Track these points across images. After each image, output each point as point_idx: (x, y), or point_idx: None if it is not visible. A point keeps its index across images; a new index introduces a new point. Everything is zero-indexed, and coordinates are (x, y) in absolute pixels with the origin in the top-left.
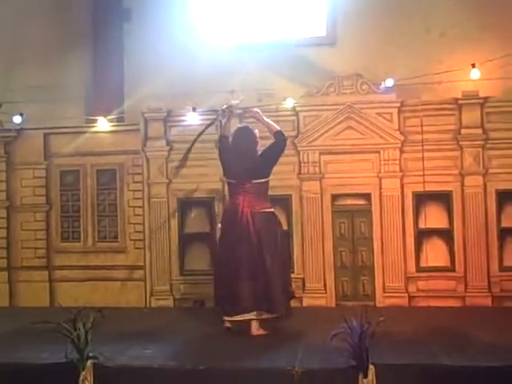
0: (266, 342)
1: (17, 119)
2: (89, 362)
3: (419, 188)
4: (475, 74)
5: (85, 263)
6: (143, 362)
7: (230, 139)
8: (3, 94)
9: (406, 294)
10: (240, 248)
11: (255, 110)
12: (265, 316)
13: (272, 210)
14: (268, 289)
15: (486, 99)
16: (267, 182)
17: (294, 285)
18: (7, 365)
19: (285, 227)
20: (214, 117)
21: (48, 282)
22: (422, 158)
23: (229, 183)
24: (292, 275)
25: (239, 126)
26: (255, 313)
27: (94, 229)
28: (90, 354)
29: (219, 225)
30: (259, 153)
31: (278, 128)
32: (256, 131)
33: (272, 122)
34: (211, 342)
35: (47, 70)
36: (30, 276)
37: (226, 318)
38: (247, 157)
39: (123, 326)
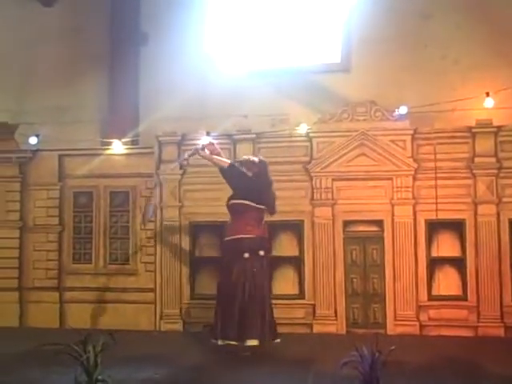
0: (277, 368)
1: (33, 140)
2: None
3: (432, 216)
4: (489, 102)
5: (95, 285)
6: None
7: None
8: (20, 116)
9: (418, 323)
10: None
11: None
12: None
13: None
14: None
15: (499, 128)
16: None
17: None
18: None
19: (296, 253)
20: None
21: (58, 303)
22: (435, 186)
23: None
24: (302, 301)
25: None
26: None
27: (105, 251)
28: (100, 377)
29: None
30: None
31: (228, 161)
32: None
33: (219, 158)
34: (220, 368)
35: (63, 91)
36: (41, 297)
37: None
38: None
39: (133, 349)
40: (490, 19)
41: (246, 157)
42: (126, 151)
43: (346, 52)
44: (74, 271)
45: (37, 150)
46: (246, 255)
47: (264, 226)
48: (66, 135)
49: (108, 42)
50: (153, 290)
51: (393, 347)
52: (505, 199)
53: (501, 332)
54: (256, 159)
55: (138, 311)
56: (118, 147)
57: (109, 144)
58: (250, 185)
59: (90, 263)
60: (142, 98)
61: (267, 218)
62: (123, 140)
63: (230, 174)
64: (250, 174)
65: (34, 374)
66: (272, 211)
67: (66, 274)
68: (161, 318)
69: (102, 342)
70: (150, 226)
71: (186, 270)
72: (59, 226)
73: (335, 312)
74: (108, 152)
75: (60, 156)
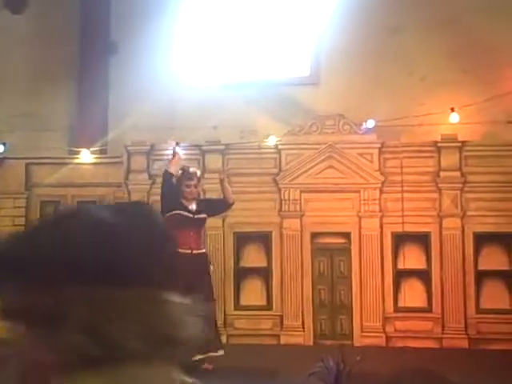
0: (242, 380)
1: None
2: None
3: (398, 228)
4: (454, 117)
5: None
6: None
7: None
8: None
9: (384, 334)
10: None
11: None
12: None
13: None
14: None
15: (464, 143)
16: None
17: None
18: None
19: (264, 264)
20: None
21: None
22: (402, 199)
23: None
24: (270, 312)
25: None
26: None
27: None
28: None
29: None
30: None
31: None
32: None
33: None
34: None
35: (31, 100)
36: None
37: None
38: None
39: None
40: (457, 35)
41: (196, 170)
42: (94, 160)
43: (315, 65)
44: None
45: (3, 158)
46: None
47: None
48: (34, 143)
49: (77, 51)
50: None
51: (358, 358)
52: (469, 213)
53: (465, 343)
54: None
55: None
56: (86, 156)
57: (77, 153)
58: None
59: None
60: (111, 107)
61: (237, 228)
62: (91, 149)
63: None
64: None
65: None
66: None
67: None
68: None
69: None
70: None
71: None
72: None
73: (302, 323)
74: (76, 161)
75: (27, 164)
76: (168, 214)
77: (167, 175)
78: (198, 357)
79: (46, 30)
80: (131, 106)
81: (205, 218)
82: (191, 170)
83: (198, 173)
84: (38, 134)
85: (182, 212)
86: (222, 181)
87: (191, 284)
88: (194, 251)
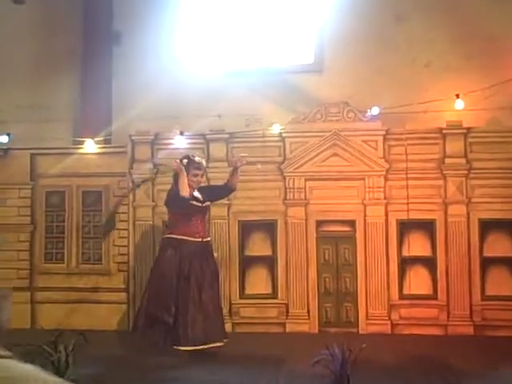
0: (247, 367)
1: (4, 139)
2: None
3: (403, 216)
4: (459, 104)
5: (67, 285)
6: None
7: None
8: None
9: (389, 322)
10: None
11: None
12: None
13: (164, 236)
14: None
15: (469, 129)
16: (171, 209)
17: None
18: None
19: (269, 252)
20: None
21: (30, 303)
22: (407, 186)
23: None
24: (275, 301)
25: None
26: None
27: (77, 250)
28: (71, 377)
29: None
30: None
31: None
32: (184, 160)
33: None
34: (192, 367)
35: (36, 90)
36: (12, 297)
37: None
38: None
39: (105, 349)
40: (461, 22)
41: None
42: (98, 150)
43: (319, 53)
44: (46, 271)
45: (8, 149)
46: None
47: None
48: (38, 134)
49: (81, 40)
50: (125, 290)
51: (363, 345)
52: (474, 199)
53: (470, 330)
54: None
55: (111, 311)
56: (90, 146)
57: (81, 143)
58: None
59: (62, 263)
60: (114, 97)
61: (242, 217)
62: (96, 139)
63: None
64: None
65: None
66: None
67: (37, 274)
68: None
69: (74, 342)
70: (123, 225)
71: None
72: (31, 225)
73: (308, 311)
74: (80, 151)
75: (32, 155)
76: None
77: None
78: (202, 347)
79: (48, 20)
80: (135, 95)
81: (209, 206)
82: (197, 159)
83: (204, 163)
84: (43, 124)
85: (193, 202)
86: (236, 168)
87: (202, 272)
88: (204, 239)
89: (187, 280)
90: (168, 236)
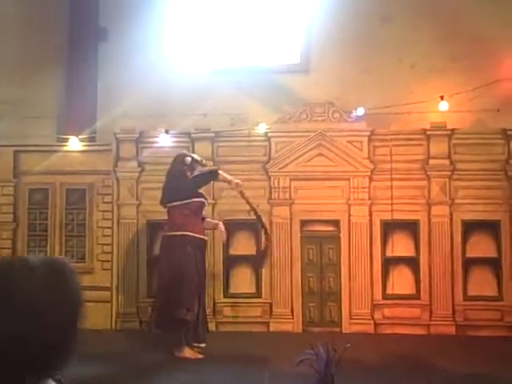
0: (232, 367)
1: None
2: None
3: (387, 216)
4: (443, 105)
5: None
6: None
7: None
8: None
9: (372, 321)
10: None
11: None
12: None
13: (175, 233)
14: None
15: (453, 131)
16: (180, 206)
17: (186, 310)
18: None
19: (254, 252)
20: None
21: None
22: (391, 187)
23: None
24: (259, 300)
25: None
26: None
27: (61, 248)
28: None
29: None
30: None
31: (215, 168)
32: (187, 159)
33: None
34: (175, 367)
35: (20, 86)
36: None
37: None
38: (166, 180)
39: (88, 347)
40: (446, 23)
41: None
42: (83, 148)
43: (305, 53)
44: None
45: None
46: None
47: None
48: (22, 131)
49: (66, 36)
50: (109, 289)
51: (348, 345)
52: (457, 200)
53: (452, 330)
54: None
55: (94, 310)
56: (74, 144)
57: (65, 140)
58: None
59: None
60: (100, 94)
61: (227, 217)
62: (80, 136)
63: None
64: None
65: None
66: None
67: None
68: (117, 317)
69: None
70: (107, 223)
71: (143, 269)
72: (13, 222)
73: (292, 311)
74: (65, 148)
75: (15, 152)
76: (193, 200)
77: (183, 165)
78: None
79: (33, 15)
80: (120, 93)
81: None
82: (197, 157)
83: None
84: (27, 121)
85: (204, 200)
86: (241, 193)
87: (204, 270)
88: (205, 237)
89: (202, 278)
90: (183, 233)
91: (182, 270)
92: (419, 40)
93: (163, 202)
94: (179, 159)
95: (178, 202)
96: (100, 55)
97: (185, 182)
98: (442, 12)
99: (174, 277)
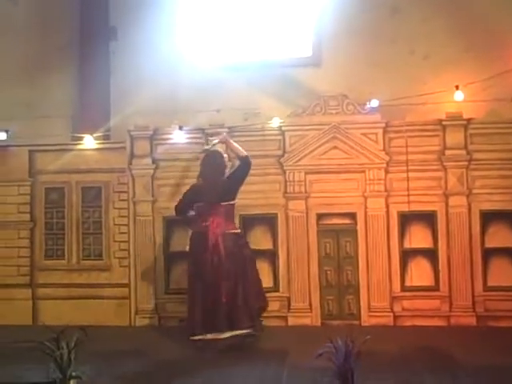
0: (252, 361)
1: (2, 136)
2: (72, 382)
3: (404, 208)
4: (459, 95)
5: (68, 281)
6: (126, 381)
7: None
8: None
9: (391, 314)
10: (212, 269)
11: (224, 134)
12: (231, 333)
13: (239, 231)
14: (234, 309)
15: (469, 121)
16: (234, 204)
17: (265, 300)
18: None
19: (270, 246)
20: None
21: (31, 299)
22: (407, 178)
23: (198, 206)
24: (277, 294)
25: (208, 150)
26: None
27: (78, 247)
28: (73, 374)
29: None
30: (226, 176)
31: (245, 153)
32: (225, 155)
33: (239, 147)
34: (195, 362)
35: (33, 87)
36: (13, 294)
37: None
38: (217, 180)
39: (107, 345)
40: (458, 14)
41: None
42: (97, 146)
43: (316, 46)
44: (47, 267)
45: (6, 146)
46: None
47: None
48: (36, 130)
49: (77, 36)
50: (127, 286)
51: (367, 338)
52: (475, 191)
53: (473, 321)
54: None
55: (113, 307)
56: (89, 142)
57: (80, 139)
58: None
59: (63, 259)
60: (113, 93)
61: (243, 211)
62: (94, 135)
63: (244, 163)
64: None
65: (8, 371)
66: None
67: (38, 271)
68: (136, 313)
69: (76, 338)
70: (123, 221)
71: (160, 265)
72: (31, 222)
73: (310, 304)
74: (79, 147)
75: (30, 151)
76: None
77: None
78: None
79: (44, 16)
80: (133, 90)
81: None
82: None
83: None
84: (41, 120)
85: None
86: (226, 141)
87: None
88: None
89: None
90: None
91: (250, 266)
92: (432, 31)
93: (225, 200)
94: (219, 154)
95: (234, 201)
96: (111, 54)
97: (237, 180)
98: (453, 2)
99: (246, 273)
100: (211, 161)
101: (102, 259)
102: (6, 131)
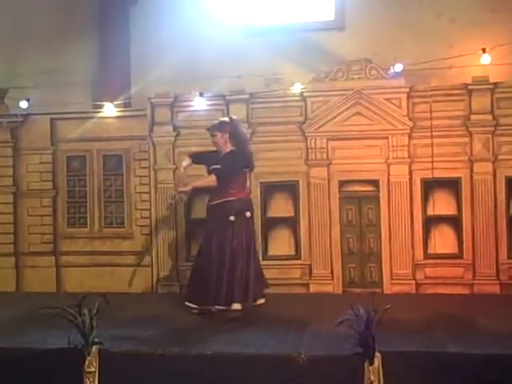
0: (272, 328)
1: (23, 104)
2: (94, 348)
3: (428, 174)
4: (486, 59)
5: (91, 249)
6: (147, 347)
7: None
8: (10, 80)
9: (414, 281)
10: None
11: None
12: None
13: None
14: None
15: (496, 84)
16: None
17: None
18: (13, 350)
19: (292, 213)
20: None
21: (55, 267)
22: (431, 145)
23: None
24: (299, 262)
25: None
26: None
27: (100, 214)
28: (96, 340)
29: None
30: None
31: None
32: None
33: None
34: (216, 328)
35: (54, 55)
36: (37, 261)
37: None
38: (244, 146)
39: (129, 311)
40: None
41: (216, 121)
42: (118, 114)
43: (339, 9)
44: (69, 235)
45: (28, 114)
46: (232, 218)
47: (247, 188)
48: (57, 99)
49: (97, 3)
50: (148, 253)
51: (388, 306)
52: (501, 157)
53: (496, 289)
54: (227, 119)
55: (135, 274)
56: (110, 110)
57: (101, 107)
58: (235, 160)
59: (85, 227)
60: (133, 60)
61: (264, 178)
62: (115, 103)
63: (220, 172)
64: (227, 147)
65: (33, 337)
66: (252, 169)
67: (61, 239)
68: (158, 281)
69: (97, 305)
70: (145, 188)
71: (181, 233)
72: (53, 190)
73: (331, 272)
74: (100, 115)
75: (52, 120)
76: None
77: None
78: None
79: None
80: (153, 57)
81: None
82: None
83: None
84: (62, 89)
85: None
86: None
87: None
88: None
89: None
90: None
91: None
92: None
93: (251, 168)
94: (239, 124)
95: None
96: (131, 20)
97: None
98: None
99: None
100: (239, 129)
101: (123, 227)
102: (28, 100)
